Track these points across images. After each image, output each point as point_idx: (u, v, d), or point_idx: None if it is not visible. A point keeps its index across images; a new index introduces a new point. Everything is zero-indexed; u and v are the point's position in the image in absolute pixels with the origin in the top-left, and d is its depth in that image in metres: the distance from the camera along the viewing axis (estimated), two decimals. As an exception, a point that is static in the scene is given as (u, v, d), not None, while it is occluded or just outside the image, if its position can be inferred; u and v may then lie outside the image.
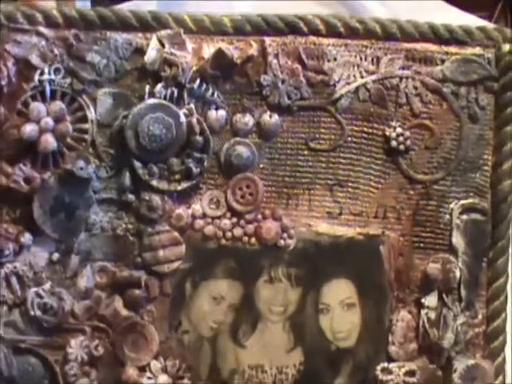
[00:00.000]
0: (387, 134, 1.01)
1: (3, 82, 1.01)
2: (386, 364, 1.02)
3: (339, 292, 1.03)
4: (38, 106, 1.00)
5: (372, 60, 1.01)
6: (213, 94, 1.01)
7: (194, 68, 1.01)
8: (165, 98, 1.00)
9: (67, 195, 1.01)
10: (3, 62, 1.01)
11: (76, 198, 1.01)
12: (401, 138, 1.01)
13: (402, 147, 1.01)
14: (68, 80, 1.01)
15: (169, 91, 1.00)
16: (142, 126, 0.99)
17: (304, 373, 1.03)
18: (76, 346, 1.02)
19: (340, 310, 1.03)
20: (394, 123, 1.01)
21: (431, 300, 1.02)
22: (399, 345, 1.02)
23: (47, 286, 1.02)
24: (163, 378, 1.02)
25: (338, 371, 1.03)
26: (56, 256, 1.02)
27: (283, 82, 1.01)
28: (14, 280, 1.02)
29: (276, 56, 1.01)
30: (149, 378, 1.02)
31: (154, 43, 1.01)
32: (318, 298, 1.02)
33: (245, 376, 1.03)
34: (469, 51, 1.01)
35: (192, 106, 1.00)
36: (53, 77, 1.01)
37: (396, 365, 1.02)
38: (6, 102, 1.02)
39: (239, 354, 1.03)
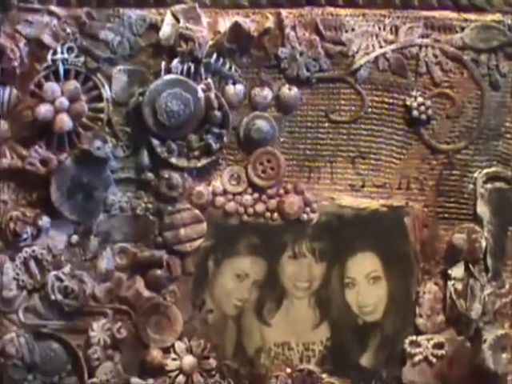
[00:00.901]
0: (408, 103, 1.00)
1: (15, 63, 0.99)
2: (414, 337, 1.01)
3: (364, 265, 1.01)
4: (51, 86, 0.99)
5: (391, 29, 1.00)
6: (230, 68, 1.00)
7: (210, 42, 0.99)
8: (181, 74, 0.99)
9: (85, 176, 0.99)
10: (15, 43, 0.99)
11: (94, 178, 0.99)
12: (422, 108, 1.00)
13: (423, 117, 1.00)
14: (82, 59, 1.00)
15: (185, 66, 0.99)
16: (159, 103, 0.97)
17: (331, 348, 1.02)
18: (98, 330, 1.00)
19: (366, 283, 1.01)
20: (414, 93, 1.00)
21: (458, 271, 1.01)
22: (427, 317, 1.01)
23: (67, 269, 1.00)
24: (188, 358, 1.00)
25: (365, 346, 1.02)
26: (75, 238, 1.01)
27: (301, 54, 0.99)
28: (32, 264, 1.00)
29: (293, 28, 0.99)
30: (173, 359, 1.00)
31: (168, 18, 0.99)
32: (343, 272, 1.01)
33: (271, 354, 1.02)
34: (488, 18, 0.99)
35: (210, 80, 0.99)
36: (66, 56, 0.99)
37: (424, 337, 1.01)
38: (19, 83, 1.00)
39: (265, 331, 1.01)
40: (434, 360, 1.01)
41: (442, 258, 1.01)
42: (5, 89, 1.00)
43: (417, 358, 1.01)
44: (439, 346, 1.01)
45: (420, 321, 1.01)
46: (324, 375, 1.01)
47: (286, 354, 1.02)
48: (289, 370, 1.01)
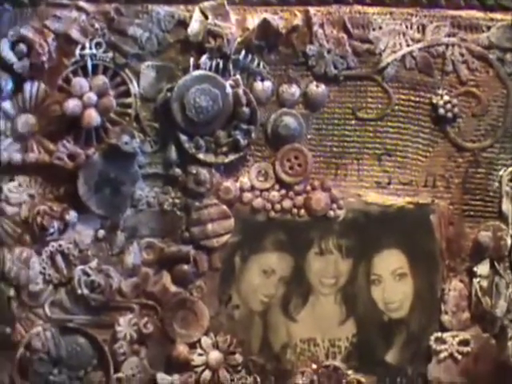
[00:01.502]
0: (434, 101, 1.01)
1: (44, 58, 0.99)
2: (439, 334, 1.01)
3: (390, 262, 1.02)
4: (80, 81, 0.99)
5: (418, 28, 1.00)
6: (258, 64, 1.00)
7: (239, 39, 1.00)
8: (210, 70, 0.99)
9: (112, 171, 0.99)
10: (43, 38, 0.99)
11: (121, 173, 0.99)
12: (448, 106, 1.00)
13: (449, 115, 1.01)
14: (110, 54, 1.00)
15: (214, 63, 0.99)
16: (188, 98, 0.98)
17: (357, 345, 1.02)
18: (125, 324, 1.00)
19: (392, 280, 1.01)
20: (440, 91, 1.01)
21: (483, 268, 1.01)
22: (452, 314, 1.01)
23: (94, 263, 1.00)
24: (214, 353, 1.00)
25: (391, 342, 1.02)
26: (102, 233, 1.01)
27: (329, 51, 1.00)
28: (59, 258, 1.00)
29: (321, 26, 1.00)
30: (200, 354, 1.00)
31: (197, 15, 1.00)
32: (369, 268, 1.01)
33: (297, 350, 1.02)
34: (514, 17, 1.01)
35: (238, 76, 0.99)
36: (94, 51, 1.00)
37: (449, 334, 1.01)
38: (47, 78, 1.00)
39: (291, 327, 1.02)
40: (460, 357, 1.01)
41: (467, 256, 1.02)
42: (33, 83, 1.00)
43: (442, 355, 1.01)
44: (464, 342, 1.01)
45: (445, 318, 1.02)
46: (350, 371, 1.01)
47: (312, 350, 1.02)
48: (315, 366, 1.01)
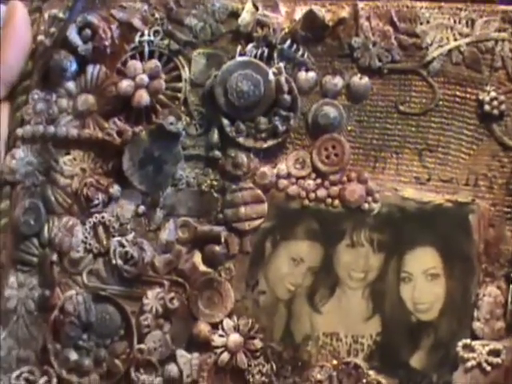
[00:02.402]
0: (481, 98, 0.97)
1: (106, 43, 1.06)
2: (468, 341, 0.95)
3: (423, 261, 0.97)
4: (134, 64, 1.05)
5: (466, 22, 0.98)
6: (303, 55, 1.02)
7: (286, 29, 1.02)
8: (255, 58, 1.02)
9: (157, 149, 1.03)
10: (108, 25, 1.07)
11: (165, 152, 1.03)
12: (495, 103, 0.97)
13: (495, 112, 0.97)
14: (166, 41, 1.05)
15: (259, 51, 1.02)
16: (230, 82, 1.01)
17: (381, 344, 0.98)
18: (152, 297, 1.02)
19: (423, 279, 0.97)
20: (488, 87, 0.97)
21: (522, 275, 0.95)
22: (485, 321, 0.95)
23: (130, 236, 1.03)
24: (235, 336, 1.00)
25: (417, 345, 0.97)
26: (142, 209, 1.04)
27: (374, 44, 1.00)
28: (100, 230, 1.05)
29: (368, 18, 1.00)
30: (220, 335, 1.00)
31: (248, 7, 1.03)
32: (400, 265, 0.98)
33: (319, 343, 0.99)
34: None
35: (281, 64, 1.01)
36: (152, 38, 1.06)
37: (480, 343, 0.95)
38: (109, 61, 1.07)
39: (315, 319, 1.00)
40: (489, 368, 0.94)
41: (506, 261, 0.96)
42: (95, 66, 1.07)
43: (470, 364, 0.95)
44: (495, 353, 0.94)
45: (477, 325, 0.95)
46: (371, 372, 0.97)
47: (334, 345, 0.99)
48: (335, 362, 0.98)
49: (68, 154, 1.07)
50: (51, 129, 1.06)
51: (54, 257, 1.05)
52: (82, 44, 1.06)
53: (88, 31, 1.06)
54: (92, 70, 1.07)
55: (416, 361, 0.97)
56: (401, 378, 0.97)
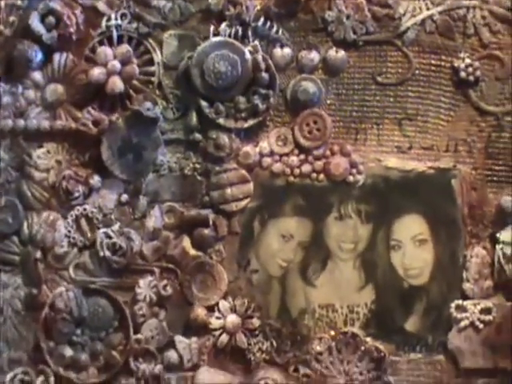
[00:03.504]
0: (456, 65, 1.00)
1: (72, 30, 1.03)
2: (460, 302, 0.99)
3: (411, 228, 1.00)
4: (104, 50, 1.02)
5: (438, -9, 1.00)
6: (277, 31, 1.01)
7: (258, 6, 1.01)
8: (229, 37, 1.01)
9: (135, 136, 1.02)
10: (71, 11, 1.03)
11: (144, 138, 1.02)
12: (470, 69, 0.99)
13: (471, 78, 0.99)
14: (134, 25, 1.03)
15: (233, 30, 1.01)
16: (207, 64, 1.00)
17: (376, 311, 1.01)
18: (145, 286, 1.02)
19: (412, 246, 1.00)
20: (462, 54, 1.00)
21: (506, 234, 0.99)
22: (474, 281, 0.99)
23: (116, 226, 1.02)
24: (232, 317, 1.01)
25: (410, 310, 1.00)
26: (125, 197, 1.03)
27: (348, 17, 1.00)
28: (83, 222, 1.03)
29: (340, -9, 1.01)
30: (217, 317, 1.01)
31: (217, -16, 1.02)
32: (388, 234, 1.00)
33: (315, 315, 1.01)
34: (539, -23, 0.99)
35: (257, 43, 1.00)
36: (119, 22, 1.03)
37: (471, 302, 0.99)
38: (75, 48, 1.04)
39: (309, 292, 1.01)
40: (481, 326, 0.99)
41: (490, 222, 1.00)
42: (61, 54, 1.04)
43: (463, 324, 0.99)
44: (486, 311, 0.99)
45: (467, 285, 0.99)
46: (368, 339, 1.00)
47: (330, 316, 1.01)
48: (332, 333, 1.01)
49: (41, 146, 1.04)
50: (21, 122, 1.03)
51: (38, 254, 1.03)
52: (46, 32, 1.03)
53: (51, 18, 1.03)
54: (59, 58, 1.04)
55: (411, 325, 1.00)
56: (397, 342, 1.01)
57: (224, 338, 1.01)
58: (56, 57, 1.03)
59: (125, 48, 1.02)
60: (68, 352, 1.02)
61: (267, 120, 1.02)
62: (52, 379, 1.02)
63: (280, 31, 1.01)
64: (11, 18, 1.03)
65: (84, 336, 1.02)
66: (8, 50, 1.03)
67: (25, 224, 1.03)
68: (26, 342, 1.03)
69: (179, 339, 1.01)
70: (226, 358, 1.01)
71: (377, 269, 1.01)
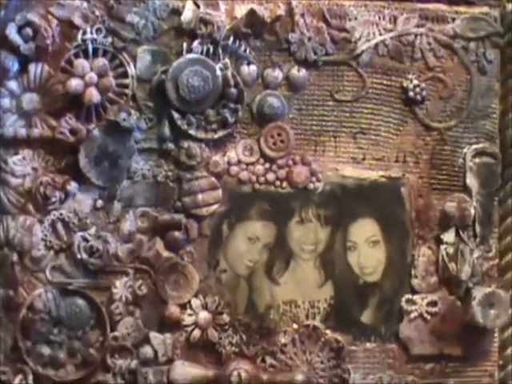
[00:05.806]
0: (405, 85, 1.11)
1: (48, 42, 1.07)
2: (410, 296, 1.10)
3: (365, 230, 1.11)
4: (82, 62, 1.07)
5: (389, 19, 1.11)
6: (245, 50, 1.10)
7: (228, 26, 1.09)
8: (201, 54, 1.08)
9: (111, 145, 1.07)
10: (48, 23, 1.08)
11: (119, 147, 1.08)
12: (417, 89, 1.11)
13: (418, 97, 1.11)
14: (109, 39, 1.09)
15: (205, 47, 1.08)
16: (181, 79, 1.07)
17: (334, 306, 1.11)
18: (120, 286, 1.07)
19: (366, 246, 1.11)
20: (410, 76, 1.11)
21: (449, 236, 1.11)
22: (421, 278, 1.11)
23: (93, 230, 1.07)
24: (203, 314, 1.08)
25: (365, 304, 1.11)
26: (100, 203, 1.08)
27: (309, 39, 1.10)
28: (59, 226, 1.08)
29: (302, 16, 1.10)
30: (190, 314, 1.08)
31: (189, 4, 1.09)
32: (345, 236, 1.11)
33: (279, 311, 1.10)
34: (476, 10, 1.12)
35: (227, 60, 1.08)
36: (95, 36, 1.08)
37: (419, 296, 1.11)
38: (51, 60, 1.08)
39: (274, 290, 1.10)
40: (429, 317, 1.10)
41: (435, 225, 1.12)
42: (37, 65, 1.08)
43: (412, 315, 1.10)
44: (433, 304, 1.11)
45: (415, 281, 1.11)
46: (328, 331, 1.10)
47: (294, 311, 1.10)
48: (296, 326, 1.10)
49: (17, 153, 1.08)
50: (-3, 130, 1.07)
51: (15, 257, 1.07)
52: (23, 43, 1.07)
53: (29, 30, 1.07)
54: (34, 68, 1.08)
55: (366, 317, 1.11)
56: (354, 333, 1.11)
57: (196, 333, 1.08)
58: (32, 67, 1.08)
59: (101, 61, 1.08)
60: (46, 351, 1.06)
61: (235, 132, 1.10)
62: (31, 377, 1.06)
63: (247, 50, 1.10)
64: (-13, 29, 1.07)
65: (62, 335, 1.07)
66: (-16, 59, 1.07)
67: (0, 228, 1.07)
68: (4, 342, 1.07)
69: (154, 335, 1.08)
70: (199, 352, 1.09)
71: (335, 267, 1.11)
